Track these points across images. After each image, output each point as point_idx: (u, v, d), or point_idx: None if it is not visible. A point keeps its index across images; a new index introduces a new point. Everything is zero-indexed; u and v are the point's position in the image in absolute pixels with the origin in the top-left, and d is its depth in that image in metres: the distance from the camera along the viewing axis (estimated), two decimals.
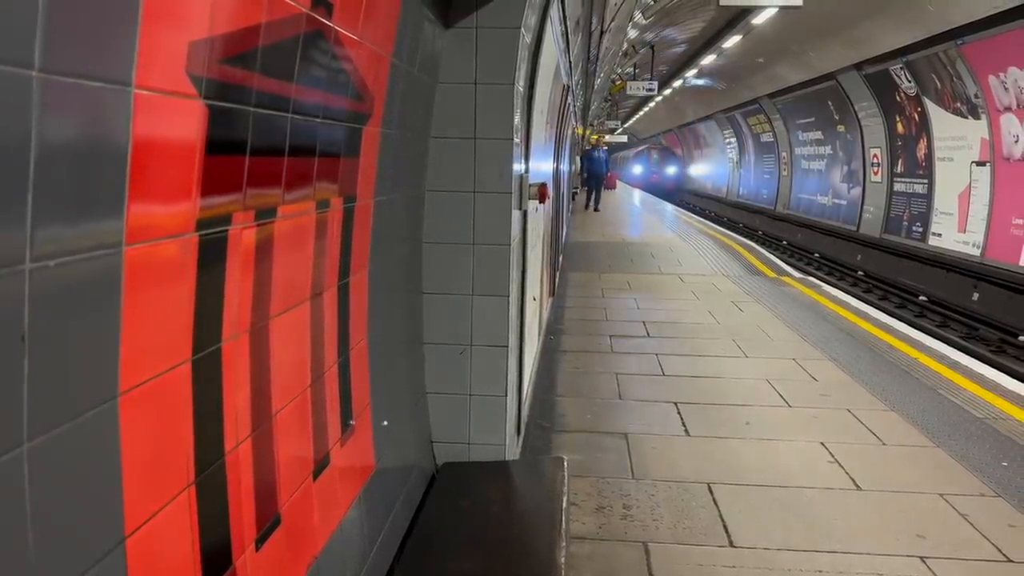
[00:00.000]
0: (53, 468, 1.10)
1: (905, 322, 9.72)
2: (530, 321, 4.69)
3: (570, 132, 14.13)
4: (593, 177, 24.06)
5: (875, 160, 19.25)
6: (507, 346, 3.53)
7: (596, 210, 23.08)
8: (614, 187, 37.82)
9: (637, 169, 53.22)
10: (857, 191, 20.30)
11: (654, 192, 42.00)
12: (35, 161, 1.00)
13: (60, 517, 1.14)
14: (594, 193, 23.89)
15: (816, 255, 21.50)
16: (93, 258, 1.16)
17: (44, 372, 1.06)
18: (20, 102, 0.97)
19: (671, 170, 50.79)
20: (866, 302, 11.32)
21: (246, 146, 1.62)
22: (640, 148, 56.45)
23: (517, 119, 3.50)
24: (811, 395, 5.50)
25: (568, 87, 8.62)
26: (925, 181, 16.54)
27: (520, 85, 3.52)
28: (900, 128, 17.62)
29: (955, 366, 6.33)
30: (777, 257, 14.31)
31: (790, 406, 5.26)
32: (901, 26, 14.62)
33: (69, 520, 1.16)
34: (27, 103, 0.98)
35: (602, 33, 10.37)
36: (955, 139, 15.09)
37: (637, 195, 35.56)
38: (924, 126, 16.26)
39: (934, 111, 15.64)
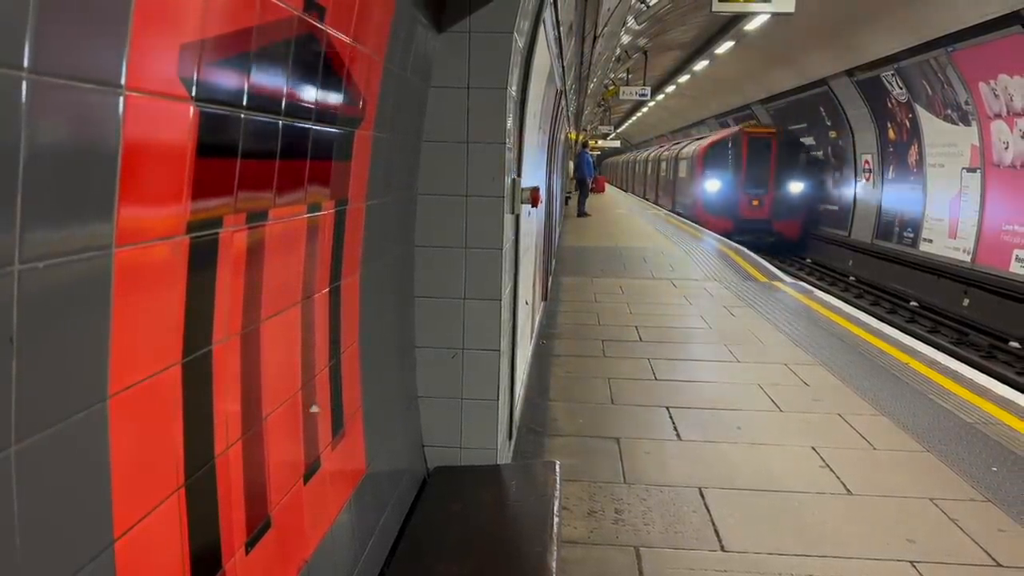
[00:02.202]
0: (41, 470, 1.10)
1: (896, 327, 9.77)
2: (522, 325, 4.69)
3: (563, 136, 14.15)
4: (578, 180, 23.86)
5: (866, 166, 19.33)
6: (499, 350, 3.53)
7: (580, 215, 22.37)
8: (603, 190, 37.44)
9: (712, 185, 23.93)
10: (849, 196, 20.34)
11: (757, 243, 20.39)
12: (24, 162, 1.00)
13: (48, 520, 1.13)
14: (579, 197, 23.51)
15: (808, 260, 21.55)
16: (83, 260, 1.16)
17: (32, 374, 1.06)
18: (10, 103, 0.97)
19: (795, 188, 22.88)
20: (857, 307, 11.36)
21: (237, 149, 1.62)
22: (720, 136, 25.41)
23: (509, 123, 3.51)
24: (802, 400, 5.52)
25: (561, 92, 8.64)
26: (916, 187, 16.61)
27: (513, 89, 3.52)
28: (891, 134, 17.70)
29: (945, 371, 6.35)
30: (769, 262, 14.33)
31: (781, 411, 5.27)
32: (893, 32, 14.69)
33: (58, 523, 1.16)
34: (17, 104, 0.98)
35: (595, 38, 10.40)
36: (946, 145, 15.17)
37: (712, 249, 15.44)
38: (915, 132, 16.34)
39: (925, 117, 15.73)
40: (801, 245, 22.76)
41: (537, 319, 7.10)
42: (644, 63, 24.51)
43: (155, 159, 1.34)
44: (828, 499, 3.91)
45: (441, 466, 3.54)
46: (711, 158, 24.07)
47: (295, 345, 2.13)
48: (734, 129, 25.11)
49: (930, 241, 15.86)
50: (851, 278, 18.41)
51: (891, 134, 17.69)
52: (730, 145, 23.90)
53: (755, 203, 23.30)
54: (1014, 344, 11.74)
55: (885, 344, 7.32)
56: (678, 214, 26.18)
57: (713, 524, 3.61)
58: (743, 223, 22.95)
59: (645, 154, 45.57)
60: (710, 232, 19.76)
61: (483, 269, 3.48)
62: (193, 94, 1.41)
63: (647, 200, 37.17)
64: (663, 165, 34.29)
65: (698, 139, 28.83)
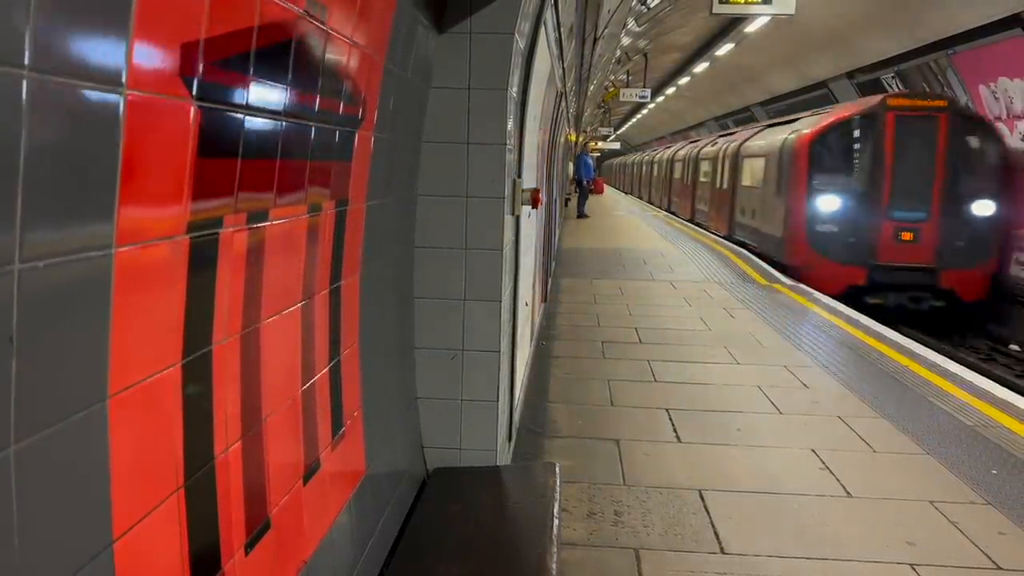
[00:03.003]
0: (41, 470, 1.10)
1: (896, 329, 9.75)
2: (522, 326, 4.69)
3: (563, 139, 14.16)
4: (577, 182, 24.05)
5: None
6: (499, 351, 3.53)
7: (580, 217, 22.63)
8: (601, 191, 37.55)
9: (827, 203, 12.83)
10: None
11: (912, 310, 12.41)
12: (25, 161, 1.00)
13: (48, 520, 1.13)
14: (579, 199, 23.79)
15: None
16: (83, 260, 1.16)
17: (32, 374, 1.06)
18: (11, 102, 0.97)
19: (981, 208, 12.31)
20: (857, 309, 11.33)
21: (238, 149, 1.62)
22: (841, 116, 13.14)
23: (510, 124, 3.50)
24: (802, 402, 5.51)
25: (562, 93, 8.64)
26: None
27: (513, 91, 3.52)
28: None
29: (945, 373, 6.35)
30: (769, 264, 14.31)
31: (781, 413, 5.27)
32: (892, 35, 14.71)
33: (57, 523, 1.15)
34: (18, 103, 0.98)
35: (595, 40, 10.41)
36: None
37: None
38: None
39: None
40: (991, 311, 12.66)
41: (537, 320, 7.10)
42: (644, 65, 24.53)
43: (156, 158, 1.33)
44: (828, 501, 3.90)
45: (441, 467, 3.53)
46: (823, 154, 13.07)
47: (295, 346, 2.13)
48: (868, 101, 13.51)
49: None
50: None
51: None
52: (859, 131, 12.87)
53: (906, 236, 12.49)
54: (1014, 347, 11.73)
55: (885, 346, 7.32)
56: (739, 245, 16.67)
57: (713, 526, 3.60)
58: (884, 273, 12.43)
59: (666, 152, 32.77)
60: (708, 233, 19.28)
61: (483, 270, 3.48)
62: (194, 93, 1.40)
63: (673, 214, 27.38)
64: (705, 167, 22.52)
65: (785, 122, 16.43)
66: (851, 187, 12.79)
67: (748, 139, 17.94)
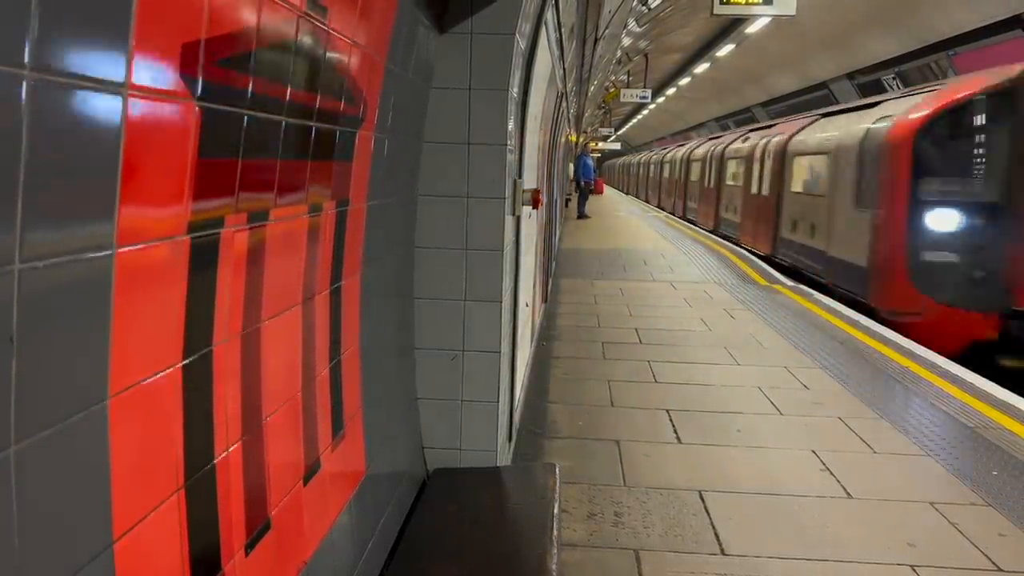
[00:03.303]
0: (41, 471, 1.09)
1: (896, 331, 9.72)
2: (522, 327, 4.69)
3: (564, 139, 14.16)
4: (577, 183, 24.15)
5: None
6: (499, 352, 3.53)
7: (580, 217, 22.79)
8: (601, 192, 37.67)
9: (940, 219, 8.60)
10: None
11: None
12: (25, 161, 0.99)
13: (48, 520, 1.13)
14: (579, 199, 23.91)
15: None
16: (83, 260, 1.16)
17: (32, 374, 1.06)
18: (11, 101, 0.97)
19: None
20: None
21: (239, 148, 1.62)
22: (957, 97, 8.57)
23: (511, 125, 3.50)
24: (803, 403, 5.51)
25: (562, 94, 8.64)
26: None
27: (514, 91, 3.52)
28: None
29: (946, 374, 6.35)
30: (769, 265, 14.30)
31: (782, 414, 5.27)
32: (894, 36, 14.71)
33: (57, 523, 1.15)
34: (18, 103, 0.98)
35: (596, 40, 10.41)
36: None
37: None
38: None
39: None
40: None
41: (537, 321, 7.10)
42: (645, 65, 24.54)
43: (156, 159, 1.33)
44: (828, 503, 3.90)
45: (441, 468, 3.53)
46: (935, 149, 8.93)
47: (296, 346, 2.13)
48: (1004, 72, 8.90)
49: None
50: None
51: None
52: (989, 115, 8.67)
53: None
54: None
55: (885, 347, 7.31)
56: (786, 271, 12.93)
57: (713, 527, 3.60)
58: None
59: (680, 151, 28.35)
60: (708, 234, 19.27)
61: (484, 271, 3.48)
62: (194, 93, 1.40)
63: (691, 223, 23.50)
64: (734, 168, 18.58)
65: (859, 107, 12.09)
66: (977, 197, 8.67)
67: (800, 131, 13.72)
